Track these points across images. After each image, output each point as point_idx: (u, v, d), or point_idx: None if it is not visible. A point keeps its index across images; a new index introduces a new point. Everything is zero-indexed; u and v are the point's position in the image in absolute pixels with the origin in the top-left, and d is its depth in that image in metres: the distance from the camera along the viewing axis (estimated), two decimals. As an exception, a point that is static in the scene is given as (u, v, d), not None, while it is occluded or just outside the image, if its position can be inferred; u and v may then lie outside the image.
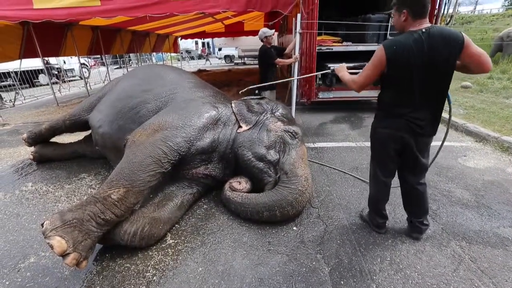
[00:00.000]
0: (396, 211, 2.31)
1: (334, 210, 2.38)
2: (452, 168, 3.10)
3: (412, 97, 1.66)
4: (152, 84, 2.90)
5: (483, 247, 1.92)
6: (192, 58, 27.80)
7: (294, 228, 2.17)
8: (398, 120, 1.74)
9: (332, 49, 5.23)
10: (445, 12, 4.92)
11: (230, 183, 2.39)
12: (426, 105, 1.67)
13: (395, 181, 1.98)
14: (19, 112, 6.74)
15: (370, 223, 2.13)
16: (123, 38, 10.85)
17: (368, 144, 3.80)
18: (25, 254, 1.99)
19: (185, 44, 25.65)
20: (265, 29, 4.22)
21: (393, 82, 1.71)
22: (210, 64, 21.73)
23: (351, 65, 2.30)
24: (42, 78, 10.68)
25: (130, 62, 18.97)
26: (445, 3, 4.82)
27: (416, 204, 1.94)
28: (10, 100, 7.74)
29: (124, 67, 15.30)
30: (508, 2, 27.06)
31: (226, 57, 22.69)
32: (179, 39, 16.01)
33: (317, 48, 4.94)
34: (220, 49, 23.25)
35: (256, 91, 4.34)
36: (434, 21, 4.79)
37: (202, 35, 15.27)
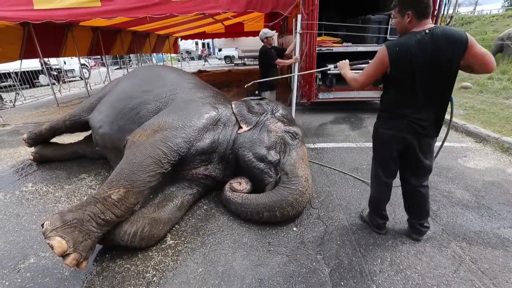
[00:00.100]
0: (396, 212, 2.31)
1: (334, 211, 2.38)
2: (452, 168, 3.10)
3: (415, 98, 1.65)
4: (152, 85, 2.91)
5: (483, 248, 1.92)
6: (192, 58, 27.81)
7: (294, 228, 2.17)
8: (400, 121, 1.73)
9: (332, 49, 5.24)
10: (445, 12, 4.93)
11: (230, 184, 2.39)
12: (429, 106, 1.66)
13: (396, 181, 1.98)
14: (19, 113, 6.74)
15: (370, 223, 2.13)
16: (123, 38, 10.87)
17: (368, 144, 3.82)
18: (25, 254, 1.99)
19: (185, 44, 25.67)
20: (266, 30, 4.23)
21: (395, 83, 1.70)
22: (210, 65, 21.74)
23: (354, 62, 2.30)
24: (43, 79, 10.69)
25: (130, 62, 18.98)
26: (445, 4, 4.83)
27: (417, 206, 1.93)
28: (11, 100, 7.75)
29: (124, 67, 15.32)
30: (508, 2, 27.09)
31: (226, 57, 22.71)
32: (179, 39, 16.03)
33: (317, 48, 4.95)
34: (220, 50, 23.27)
35: (256, 92, 4.34)
36: (434, 22, 4.80)
37: (202, 35, 15.30)
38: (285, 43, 8.36)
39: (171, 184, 2.39)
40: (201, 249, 1.98)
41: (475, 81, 7.34)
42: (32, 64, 9.16)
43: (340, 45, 5.42)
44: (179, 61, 20.05)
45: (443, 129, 1.98)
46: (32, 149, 3.54)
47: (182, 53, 22.26)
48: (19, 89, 8.27)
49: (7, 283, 1.75)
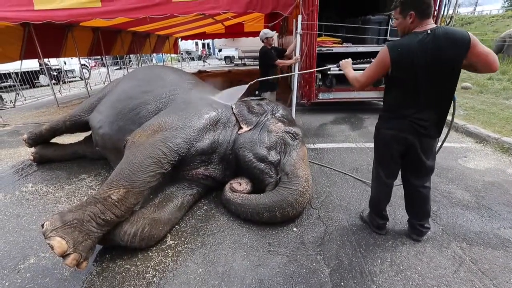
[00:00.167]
0: (396, 212, 2.31)
1: (334, 211, 2.38)
2: (452, 169, 3.10)
3: (416, 98, 1.65)
4: (152, 85, 2.91)
5: (483, 248, 1.92)
6: (192, 59, 27.82)
7: (294, 229, 2.17)
8: (402, 121, 1.73)
9: (332, 50, 5.25)
10: (445, 13, 4.93)
11: (231, 184, 2.39)
12: (431, 106, 1.65)
13: (396, 180, 1.98)
14: (19, 113, 6.74)
15: (371, 224, 2.12)
16: (124, 39, 10.88)
17: (368, 145, 3.82)
18: (25, 255, 1.99)
19: (186, 45, 25.66)
20: (267, 30, 4.23)
21: (397, 83, 1.70)
22: (209, 65, 21.74)
23: (357, 61, 2.29)
24: (43, 79, 10.69)
25: (131, 63, 19.00)
26: (445, 4, 4.83)
27: (418, 207, 1.93)
28: (11, 100, 7.75)
29: (124, 68, 15.32)
30: (508, 3, 27.11)
31: (226, 58, 22.72)
32: (179, 40, 16.04)
33: (317, 49, 4.95)
34: (220, 50, 23.27)
35: (256, 92, 4.34)
36: (434, 22, 4.80)
37: (202, 36, 15.29)
38: (285, 43, 8.37)
39: (171, 184, 2.39)
40: (201, 250, 1.98)
41: (475, 82, 7.34)
42: (30, 64, 9.15)
43: (340, 45, 5.42)
44: (179, 61, 20.06)
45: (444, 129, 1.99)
46: (32, 149, 3.54)
47: (182, 54, 22.26)
48: (19, 89, 8.27)
49: (7, 284, 1.75)
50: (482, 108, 5.19)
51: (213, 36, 15.63)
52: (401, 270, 1.75)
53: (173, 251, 1.98)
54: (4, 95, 7.98)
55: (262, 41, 4.26)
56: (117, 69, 17.13)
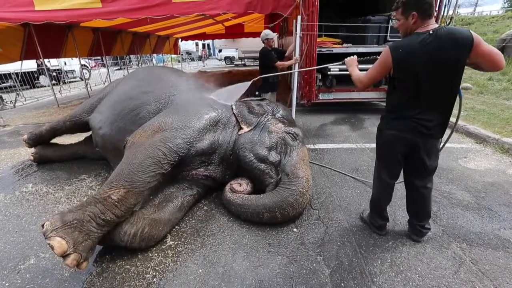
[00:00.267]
0: (396, 213, 2.31)
1: (335, 212, 2.38)
2: (452, 169, 3.10)
3: (419, 98, 1.64)
4: (153, 86, 2.91)
5: (484, 249, 1.92)
6: (193, 59, 27.84)
7: (295, 229, 2.17)
8: (404, 121, 1.72)
9: (332, 50, 5.25)
10: (445, 13, 4.93)
11: (231, 185, 2.39)
12: (434, 107, 1.65)
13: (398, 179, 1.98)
14: (19, 113, 6.75)
15: (371, 224, 2.12)
16: (124, 39, 10.89)
17: (368, 145, 3.82)
18: (25, 255, 1.99)
19: (186, 45, 25.65)
20: (268, 31, 4.24)
21: (399, 84, 1.70)
22: (206, 66, 21.74)
23: (363, 58, 2.26)
24: (43, 80, 10.70)
25: (131, 63, 19.02)
26: (445, 5, 4.84)
27: (419, 208, 1.93)
28: (11, 101, 7.76)
29: (124, 68, 15.33)
30: (508, 3, 27.14)
31: (226, 58, 22.73)
32: (180, 40, 16.05)
33: (317, 49, 4.95)
34: (220, 51, 23.29)
35: (257, 92, 4.35)
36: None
37: (202, 36, 15.31)
38: (285, 44, 8.38)
39: (171, 185, 2.39)
40: (201, 250, 1.98)
41: (475, 82, 7.34)
42: (27, 65, 9.14)
43: (340, 46, 5.43)
44: (180, 62, 20.06)
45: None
46: (32, 149, 3.54)
47: (182, 54, 22.28)
48: (19, 90, 8.28)
49: (7, 284, 1.75)
50: (482, 109, 5.19)
51: (213, 36, 15.65)
52: (401, 271, 1.75)
53: (173, 252, 1.98)
54: (4, 96, 7.99)
55: (263, 42, 4.27)
56: (117, 69, 17.15)
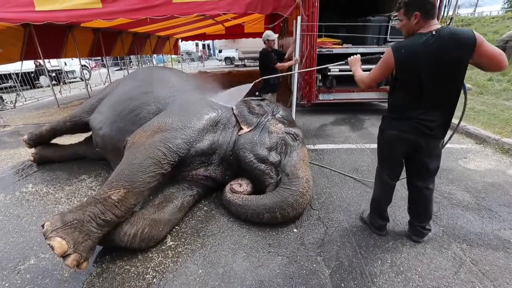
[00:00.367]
0: (396, 214, 2.31)
1: (335, 212, 2.38)
2: (452, 170, 3.10)
3: (421, 99, 1.64)
4: (153, 86, 2.91)
5: (484, 249, 1.92)
6: (193, 60, 27.86)
7: (295, 230, 2.17)
8: (406, 122, 1.72)
9: (332, 51, 5.25)
10: (445, 14, 4.94)
11: (231, 185, 2.39)
12: (436, 107, 1.64)
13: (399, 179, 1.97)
14: (20, 114, 6.75)
15: (371, 225, 2.12)
16: (124, 40, 10.89)
17: (368, 146, 3.82)
18: (25, 255, 1.99)
19: (186, 46, 25.67)
20: (270, 32, 4.25)
21: (402, 84, 1.69)
22: (204, 67, 21.75)
23: (366, 57, 2.24)
24: (43, 80, 10.70)
25: (131, 64, 19.03)
26: (445, 5, 4.84)
27: (421, 209, 1.92)
28: (11, 101, 7.75)
29: (124, 68, 15.34)
30: (508, 4, 27.17)
31: (226, 59, 22.74)
32: (180, 41, 16.07)
33: (317, 50, 4.96)
34: (220, 51, 23.30)
35: (257, 93, 4.35)
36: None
37: (202, 37, 15.32)
38: (285, 44, 8.38)
39: (171, 185, 2.39)
40: (201, 251, 1.98)
41: (475, 83, 7.34)
42: (27, 65, 9.12)
43: (340, 46, 5.43)
44: (180, 62, 20.05)
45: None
46: (33, 150, 3.54)
47: (182, 55, 22.29)
48: (19, 90, 8.28)
49: (6, 285, 1.75)
50: (482, 109, 5.19)
51: (213, 37, 15.66)
52: (401, 271, 1.75)
53: (173, 252, 1.98)
54: (4, 96, 7.99)
55: (264, 43, 4.28)
56: (118, 70, 17.15)
